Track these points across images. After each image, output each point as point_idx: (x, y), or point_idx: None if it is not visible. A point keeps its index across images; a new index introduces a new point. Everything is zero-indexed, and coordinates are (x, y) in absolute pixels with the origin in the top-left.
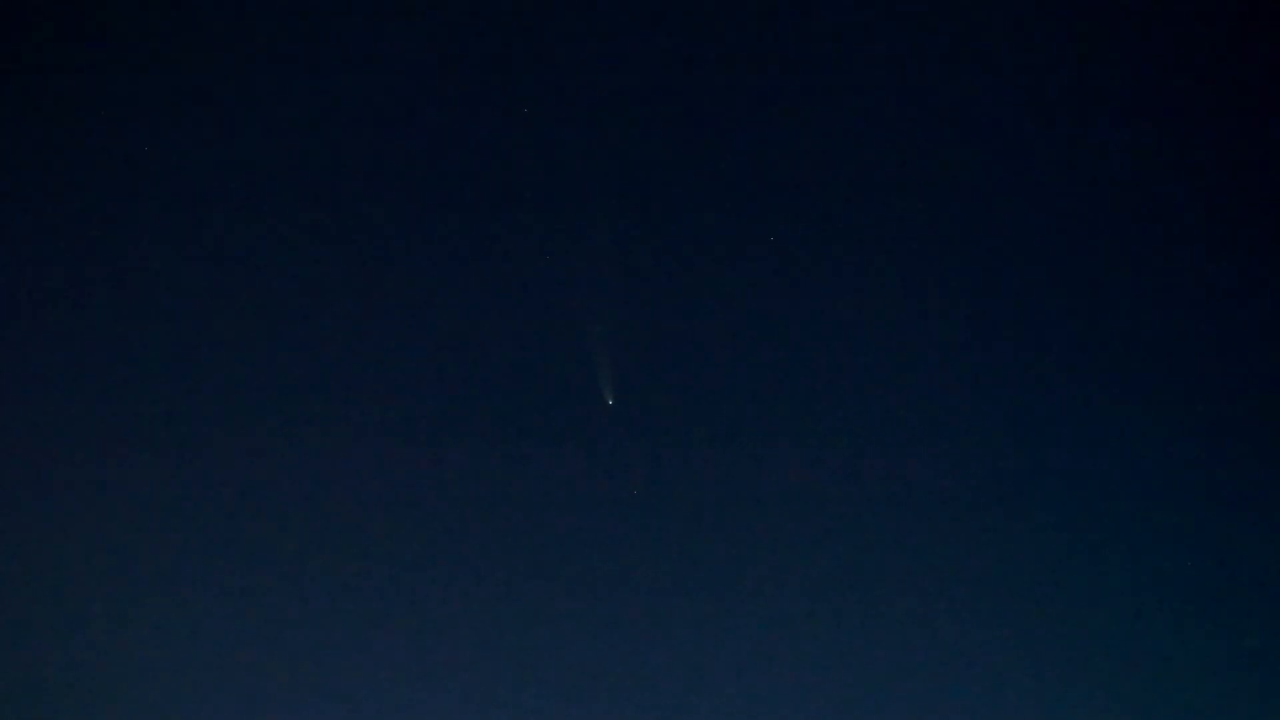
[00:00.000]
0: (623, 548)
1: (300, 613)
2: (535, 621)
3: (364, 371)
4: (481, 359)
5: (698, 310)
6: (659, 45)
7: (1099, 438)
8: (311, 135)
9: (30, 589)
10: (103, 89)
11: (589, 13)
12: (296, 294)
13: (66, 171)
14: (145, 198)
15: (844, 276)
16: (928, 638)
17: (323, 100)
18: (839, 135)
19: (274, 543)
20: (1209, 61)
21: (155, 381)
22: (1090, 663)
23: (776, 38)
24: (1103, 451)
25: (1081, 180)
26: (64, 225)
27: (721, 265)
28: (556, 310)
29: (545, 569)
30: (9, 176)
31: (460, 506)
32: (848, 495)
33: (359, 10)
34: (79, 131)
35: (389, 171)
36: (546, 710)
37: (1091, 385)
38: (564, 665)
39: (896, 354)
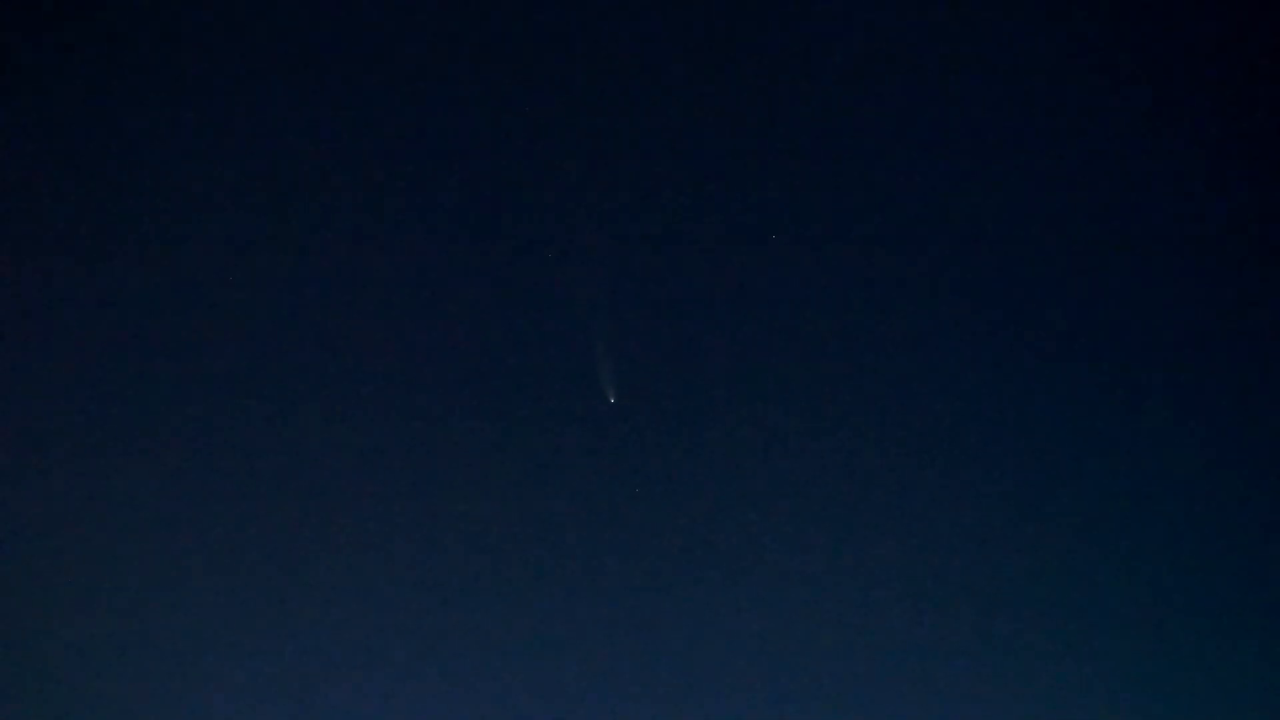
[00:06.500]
0: (624, 546)
1: (299, 610)
2: (536, 620)
3: (364, 370)
4: (482, 357)
5: (699, 308)
6: (661, 43)
7: (1101, 436)
8: (311, 133)
9: (30, 589)
10: (102, 88)
11: (590, 11)
12: (297, 292)
13: (66, 171)
14: (145, 196)
15: (846, 275)
16: (929, 637)
17: (323, 98)
18: (840, 134)
19: (274, 540)
20: (1209, 61)
21: (154, 380)
22: (1091, 663)
23: (778, 36)
24: (1104, 451)
25: (1083, 178)
26: (64, 225)
27: (723, 264)
28: (557, 309)
29: (546, 567)
30: (9, 176)
31: (461, 505)
32: (850, 493)
33: (359, 8)
34: (78, 131)
35: (389, 169)
36: (547, 708)
37: (1093, 384)
38: (564, 663)
39: (899, 352)
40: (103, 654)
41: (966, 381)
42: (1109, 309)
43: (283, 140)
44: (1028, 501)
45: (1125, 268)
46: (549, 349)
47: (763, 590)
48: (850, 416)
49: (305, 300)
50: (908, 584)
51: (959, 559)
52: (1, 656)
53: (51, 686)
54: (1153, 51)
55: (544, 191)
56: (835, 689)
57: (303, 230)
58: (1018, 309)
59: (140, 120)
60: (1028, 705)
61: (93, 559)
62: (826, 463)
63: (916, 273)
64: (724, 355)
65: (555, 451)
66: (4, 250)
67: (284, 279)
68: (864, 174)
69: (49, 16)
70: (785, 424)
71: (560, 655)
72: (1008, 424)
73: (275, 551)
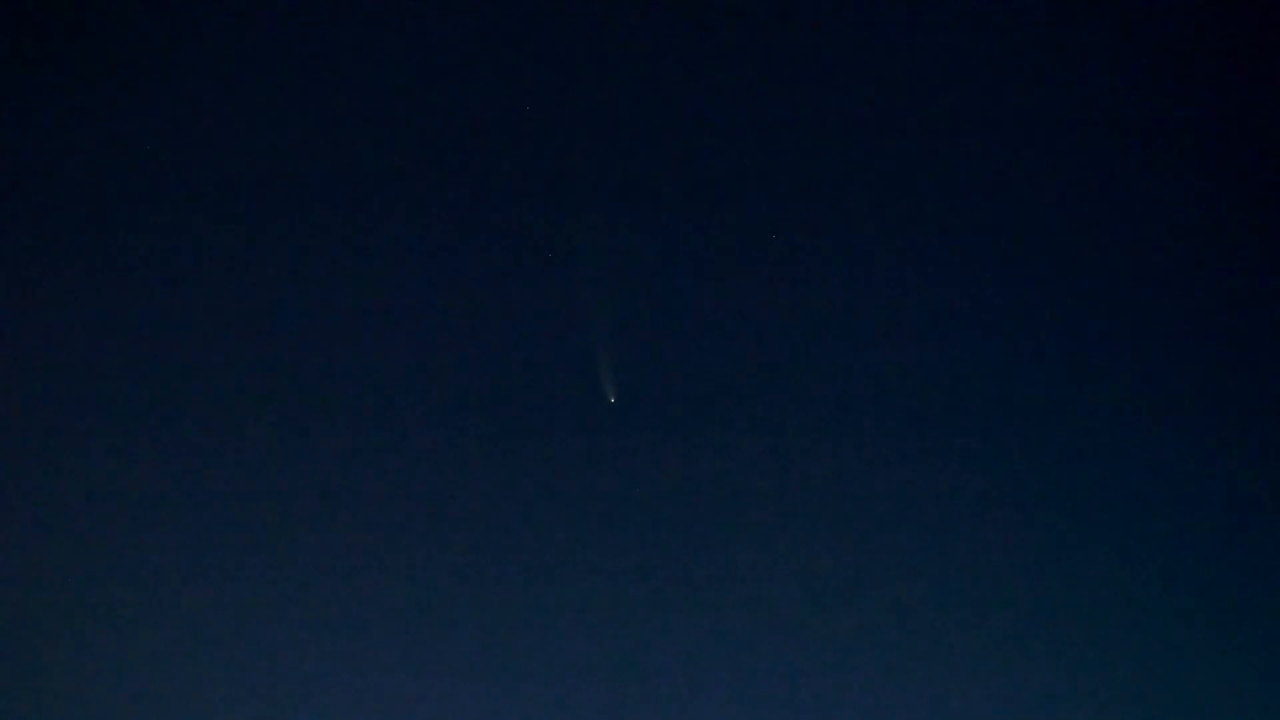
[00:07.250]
0: (624, 545)
1: (300, 610)
2: (536, 620)
3: (365, 370)
4: (483, 357)
5: (699, 308)
6: (661, 43)
7: (1099, 436)
8: (311, 133)
9: (30, 589)
10: (101, 87)
11: (591, 11)
12: (297, 292)
13: (66, 171)
14: (146, 196)
15: (845, 274)
16: (928, 637)
17: (323, 98)
18: (840, 134)
19: (275, 541)
20: (1207, 61)
21: (154, 381)
22: (1090, 663)
23: (778, 35)
24: (1103, 451)
25: (1082, 178)
26: (64, 225)
27: (723, 263)
28: (557, 308)
29: (546, 567)
30: (9, 176)
31: (461, 504)
32: (849, 492)
33: (360, 8)
34: (78, 131)
35: (390, 169)
36: (546, 707)
37: (1092, 384)
38: (564, 663)
39: (898, 352)
40: (103, 654)
41: (966, 382)
42: (1109, 310)
43: (281, 140)
44: (1026, 502)
45: (1125, 268)
46: (549, 349)
47: (762, 590)
48: (850, 416)
49: (305, 301)
50: (907, 583)
51: (959, 559)
52: (1, 656)
53: (51, 686)
54: (1152, 51)
55: (545, 192)
56: (836, 688)
57: (304, 230)
58: (1016, 310)
59: (144, 119)
60: (1026, 705)
61: (92, 559)
62: (826, 462)
63: (915, 274)
64: (724, 355)
65: (555, 451)
66: (4, 250)
67: (285, 279)
68: (862, 175)
69: (48, 17)
70: (785, 424)
71: (559, 655)
72: (1007, 425)
73: (274, 552)
